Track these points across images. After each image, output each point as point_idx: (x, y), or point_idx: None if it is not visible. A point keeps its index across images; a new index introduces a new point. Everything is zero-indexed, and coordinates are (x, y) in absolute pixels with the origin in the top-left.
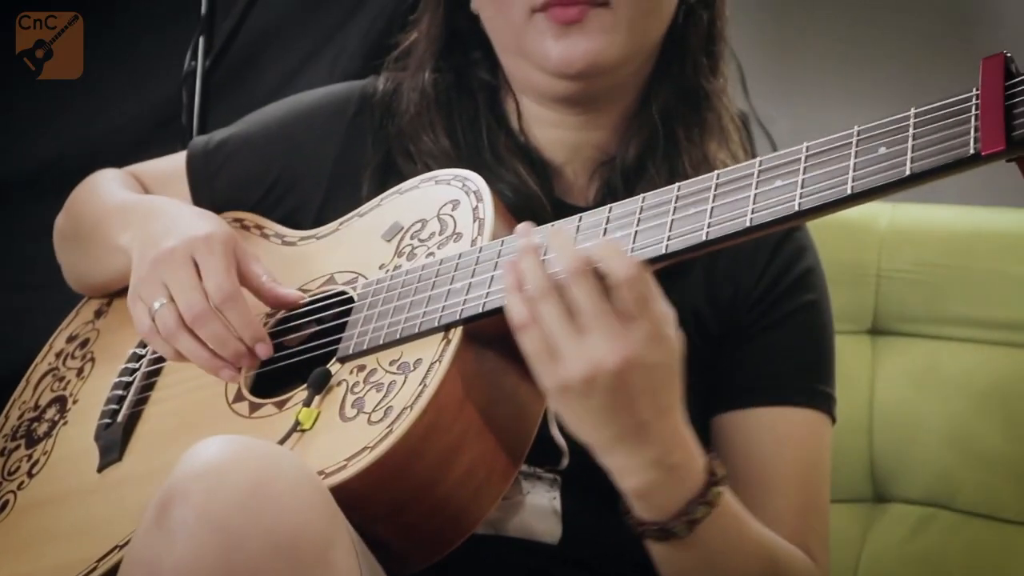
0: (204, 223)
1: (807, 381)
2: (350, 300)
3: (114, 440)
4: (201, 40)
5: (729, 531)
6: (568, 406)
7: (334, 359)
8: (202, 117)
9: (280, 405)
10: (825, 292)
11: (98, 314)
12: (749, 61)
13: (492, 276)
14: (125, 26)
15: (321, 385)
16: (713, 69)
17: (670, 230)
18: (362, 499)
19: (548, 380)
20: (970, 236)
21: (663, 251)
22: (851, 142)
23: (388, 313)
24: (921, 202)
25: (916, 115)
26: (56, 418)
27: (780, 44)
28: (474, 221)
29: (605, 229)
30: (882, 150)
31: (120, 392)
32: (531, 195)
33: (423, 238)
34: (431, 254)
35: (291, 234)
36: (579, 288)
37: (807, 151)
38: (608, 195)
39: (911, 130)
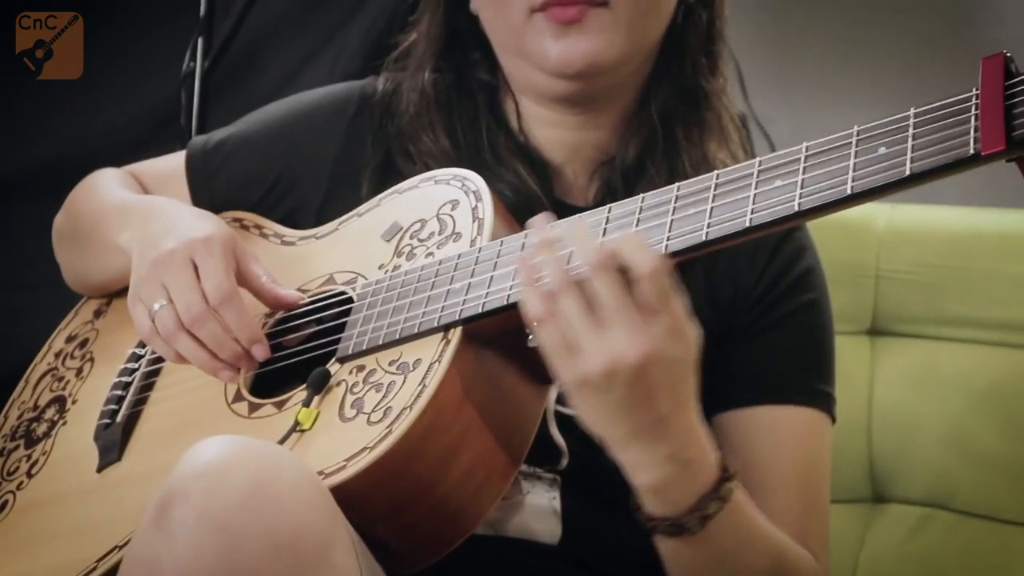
0: (203, 224)
1: (807, 380)
2: (349, 300)
3: (113, 440)
4: (200, 40)
5: (740, 527)
6: (586, 400)
7: (333, 359)
8: (201, 117)
9: (279, 405)
10: (825, 292)
11: (97, 314)
12: (748, 61)
13: (491, 276)
14: (124, 26)
15: (320, 385)
16: (712, 69)
17: (669, 230)
18: (362, 499)
19: (566, 374)
20: (969, 237)
21: (662, 251)
22: (851, 142)
23: (387, 313)
24: (920, 203)
25: (916, 115)
26: (55, 418)
27: (779, 44)
28: (473, 221)
29: (605, 229)
30: (882, 150)
31: (119, 392)
32: (531, 195)
33: (422, 238)
34: (430, 254)
35: (290, 234)
36: (601, 281)
37: (807, 151)
38: (608, 195)
39: (911, 130)
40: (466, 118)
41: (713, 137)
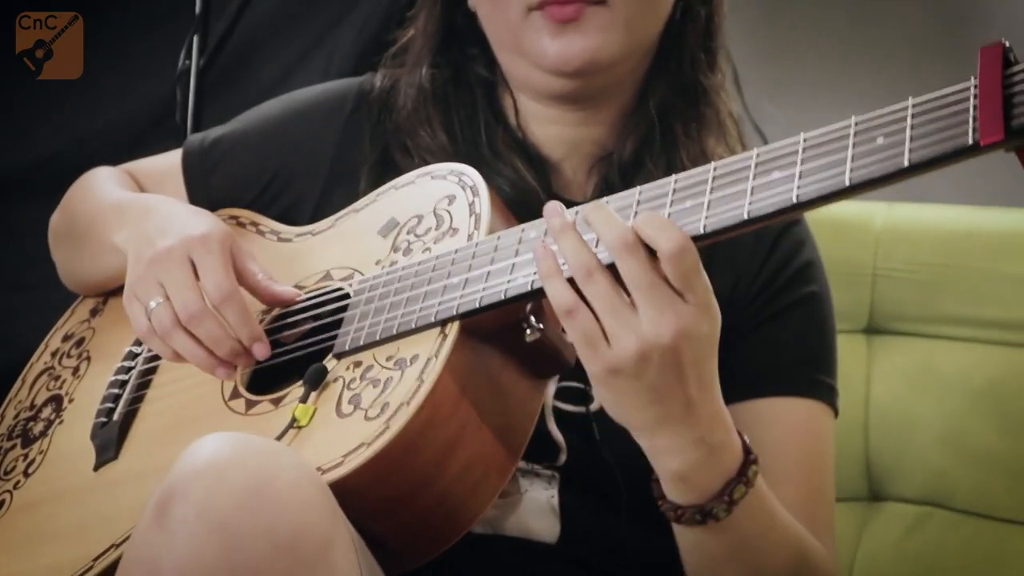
0: (200, 221)
1: (809, 372)
2: (346, 296)
3: (110, 438)
4: (195, 38)
5: (763, 514)
6: (615, 388)
7: (330, 355)
8: (196, 115)
9: (276, 402)
10: (825, 284)
11: (94, 313)
12: (744, 60)
13: (488, 271)
14: (121, 25)
15: (317, 381)
16: (711, 65)
17: None
18: (359, 495)
19: (597, 364)
20: (965, 235)
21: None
22: (849, 133)
23: (384, 309)
24: (916, 201)
25: (914, 105)
26: (52, 417)
27: (774, 43)
28: (470, 216)
29: None
30: (880, 141)
31: (116, 391)
32: (529, 190)
33: (419, 233)
34: (427, 249)
35: (287, 231)
36: (629, 263)
37: (804, 142)
38: (606, 190)
39: (909, 120)
40: (464, 114)
41: (711, 132)
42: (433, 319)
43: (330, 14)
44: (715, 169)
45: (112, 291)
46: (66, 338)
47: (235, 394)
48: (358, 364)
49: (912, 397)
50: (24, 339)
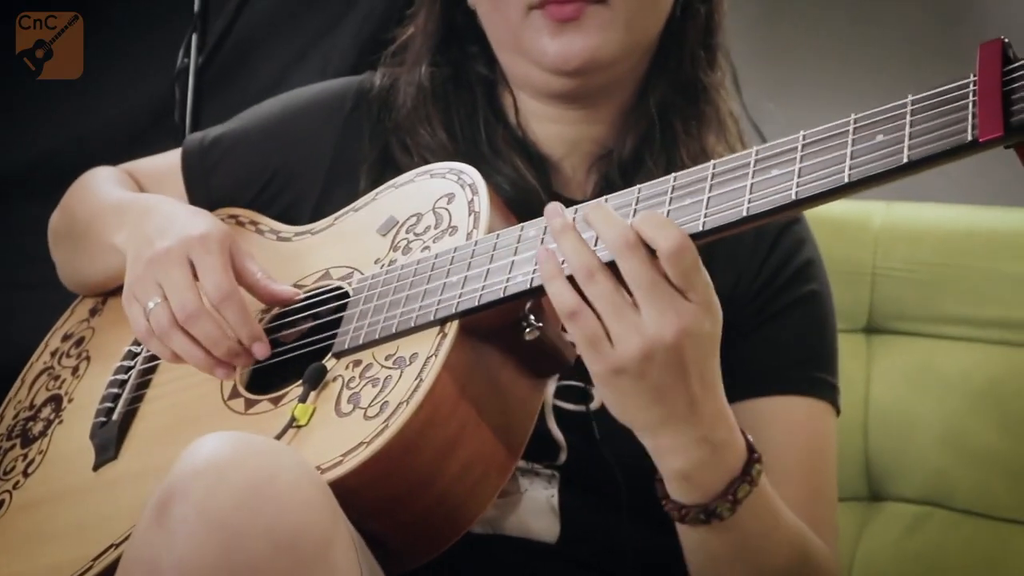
0: (200, 222)
1: (810, 371)
2: (345, 295)
3: (110, 438)
4: (194, 37)
5: (767, 513)
6: (618, 388)
7: (329, 354)
8: (195, 114)
9: (275, 401)
10: (826, 283)
11: (93, 312)
12: (744, 60)
13: (488, 269)
14: (120, 24)
15: (317, 381)
16: (711, 62)
17: None
18: (358, 495)
19: (600, 365)
20: (965, 235)
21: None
22: (848, 130)
23: (384, 308)
24: (916, 200)
25: (913, 102)
26: (51, 417)
27: (773, 42)
28: (470, 214)
29: None
30: (879, 138)
31: (115, 390)
32: (529, 189)
33: (418, 232)
34: (426, 248)
35: (286, 230)
36: (630, 262)
37: (804, 139)
38: (606, 188)
39: (908, 117)
40: (464, 112)
41: (711, 130)
42: (432, 317)
43: (328, 13)
44: (714, 167)
45: (111, 291)
46: (65, 338)
47: (234, 393)
48: (357, 363)
49: (912, 397)
50: (23, 339)
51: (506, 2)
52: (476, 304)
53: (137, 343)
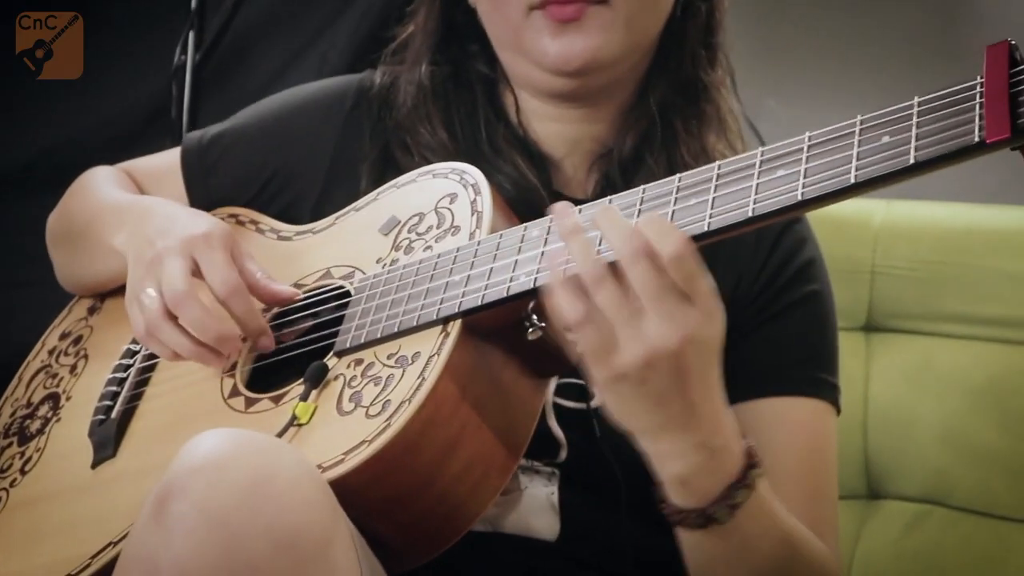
0: (201, 221)
1: (811, 371)
2: (346, 294)
3: (108, 436)
4: (191, 34)
5: (765, 517)
6: (620, 394)
7: (331, 353)
8: (192, 111)
9: (276, 400)
10: (827, 283)
11: (91, 311)
12: (744, 60)
13: (491, 268)
14: (119, 24)
15: (318, 379)
16: (711, 61)
17: (671, 221)
18: (359, 494)
19: (603, 371)
20: (965, 233)
21: None
22: (854, 131)
23: (385, 307)
24: (915, 199)
25: (920, 104)
26: (49, 415)
27: (773, 42)
28: (472, 214)
29: None
30: (885, 139)
31: (114, 388)
32: (530, 188)
33: (420, 232)
34: (429, 248)
35: (287, 229)
36: (638, 269)
37: (809, 140)
38: (607, 187)
39: (915, 119)
40: (464, 111)
41: (712, 129)
42: (435, 317)
43: (326, 11)
44: (719, 167)
45: (110, 290)
46: (63, 336)
47: (235, 392)
48: (359, 362)
49: (911, 395)
50: (23, 337)
51: (507, 2)
52: (479, 303)
53: (136, 341)
